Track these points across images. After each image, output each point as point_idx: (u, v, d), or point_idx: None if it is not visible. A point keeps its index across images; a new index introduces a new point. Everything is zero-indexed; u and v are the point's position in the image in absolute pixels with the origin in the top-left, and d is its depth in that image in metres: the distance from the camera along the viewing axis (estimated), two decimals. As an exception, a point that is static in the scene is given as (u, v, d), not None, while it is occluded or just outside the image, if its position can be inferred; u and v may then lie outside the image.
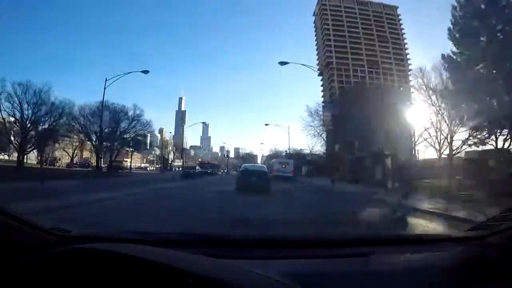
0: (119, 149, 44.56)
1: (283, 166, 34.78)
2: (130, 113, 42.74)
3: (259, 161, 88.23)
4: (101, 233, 1.57)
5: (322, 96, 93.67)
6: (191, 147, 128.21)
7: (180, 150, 69.38)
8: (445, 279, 1.18)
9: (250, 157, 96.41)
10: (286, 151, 51.62)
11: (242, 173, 14.97)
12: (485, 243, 1.48)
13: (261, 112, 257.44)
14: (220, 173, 65.60)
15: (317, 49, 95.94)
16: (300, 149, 57.74)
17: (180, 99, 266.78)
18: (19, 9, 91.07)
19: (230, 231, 2.33)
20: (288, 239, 1.72)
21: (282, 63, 26.94)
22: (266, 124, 51.58)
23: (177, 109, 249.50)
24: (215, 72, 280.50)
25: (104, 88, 27.62)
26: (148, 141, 49.45)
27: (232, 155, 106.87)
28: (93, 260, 1.06)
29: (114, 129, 41.51)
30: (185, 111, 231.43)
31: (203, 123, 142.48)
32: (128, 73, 28.77)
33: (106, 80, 27.53)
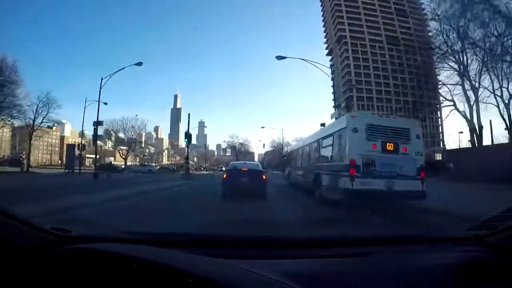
0: None
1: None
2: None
3: (256, 159, 77.21)
4: (101, 233, 1.57)
5: (332, 79, 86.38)
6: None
7: (94, 138, 30.00)
8: (445, 279, 1.18)
9: (246, 152, 75.59)
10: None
11: (230, 173, 11.60)
12: (485, 243, 1.48)
13: (259, 110, 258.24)
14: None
15: (324, 25, 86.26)
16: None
17: (176, 96, 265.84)
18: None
19: (230, 231, 2.34)
20: (288, 239, 1.72)
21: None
22: (279, 56, 21.89)
23: (172, 107, 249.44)
24: (210, 68, 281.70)
25: None
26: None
27: (228, 153, 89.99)
28: (93, 260, 1.06)
29: None
30: (180, 108, 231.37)
31: (205, 126, 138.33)
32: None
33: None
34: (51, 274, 1.06)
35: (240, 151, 74.05)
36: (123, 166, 50.60)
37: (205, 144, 78.89)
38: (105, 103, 30.12)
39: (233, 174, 11.26)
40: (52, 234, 1.30)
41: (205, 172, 58.95)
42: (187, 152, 32.84)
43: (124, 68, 26.70)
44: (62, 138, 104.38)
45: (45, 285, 1.05)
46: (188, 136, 27.92)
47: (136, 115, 59.15)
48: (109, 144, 57.09)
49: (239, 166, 12.38)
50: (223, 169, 54.48)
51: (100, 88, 25.44)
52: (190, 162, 71.33)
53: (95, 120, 26.66)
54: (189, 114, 28.84)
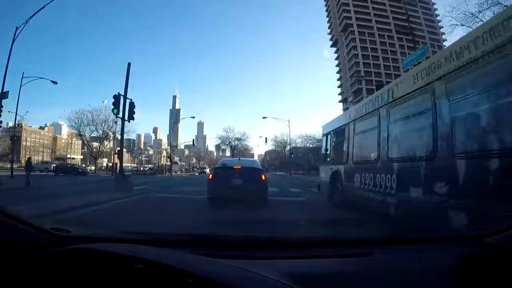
0: None
1: None
2: None
3: (256, 158, 64.81)
4: (101, 233, 1.57)
5: (338, 72, 78.06)
6: (186, 146, 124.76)
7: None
8: (445, 279, 1.18)
9: (244, 150, 63.90)
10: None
11: (218, 172, 9.21)
12: (484, 243, 1.48)
13: (258, 108, 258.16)
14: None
15: (328, 14, 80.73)
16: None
17: (174, 97, 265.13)
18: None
19: (230, 231, 2.34)
20: (288, 239, 1.72)
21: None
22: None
23: (171, 107, 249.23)
24: (209, 68, 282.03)
25: None
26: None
27: (228, 153, 78.43)
28: (93, 260, 1.06)
29: None
30: (179, 109, 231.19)
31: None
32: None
33: None
34: (51, 274, 1.06)
35: (236, 147, 62.03)
36: (85, 166, 46.54)
37: (193, 140, 69.76)
38: (55, 82, 26.15)
39: (223, 174, 8.98)
40: (52, 234, 1.30)
41: (187, 175, 49.37)
42: (122, 143, 17.14)
43: (44, 7, 18.35)
44: (54, 138, 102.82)
45: (45, 285, 1.05)
46: (124, 106, 13.84)
47: (103, 102, 47.55)
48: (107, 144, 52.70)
49: (231, 163, 10.00)
50: (206, 170, 47.49)
51: (13, 41, 18.19)
52: (178, 162, 64.33)
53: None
54: (129, 64, 14.76)
